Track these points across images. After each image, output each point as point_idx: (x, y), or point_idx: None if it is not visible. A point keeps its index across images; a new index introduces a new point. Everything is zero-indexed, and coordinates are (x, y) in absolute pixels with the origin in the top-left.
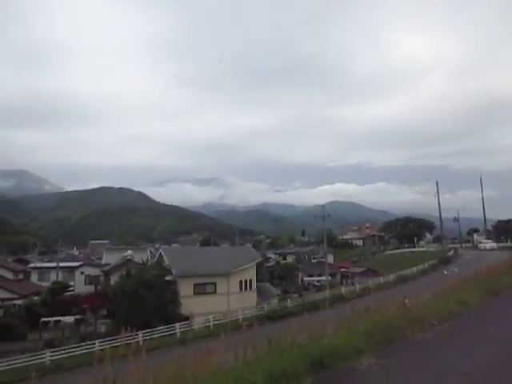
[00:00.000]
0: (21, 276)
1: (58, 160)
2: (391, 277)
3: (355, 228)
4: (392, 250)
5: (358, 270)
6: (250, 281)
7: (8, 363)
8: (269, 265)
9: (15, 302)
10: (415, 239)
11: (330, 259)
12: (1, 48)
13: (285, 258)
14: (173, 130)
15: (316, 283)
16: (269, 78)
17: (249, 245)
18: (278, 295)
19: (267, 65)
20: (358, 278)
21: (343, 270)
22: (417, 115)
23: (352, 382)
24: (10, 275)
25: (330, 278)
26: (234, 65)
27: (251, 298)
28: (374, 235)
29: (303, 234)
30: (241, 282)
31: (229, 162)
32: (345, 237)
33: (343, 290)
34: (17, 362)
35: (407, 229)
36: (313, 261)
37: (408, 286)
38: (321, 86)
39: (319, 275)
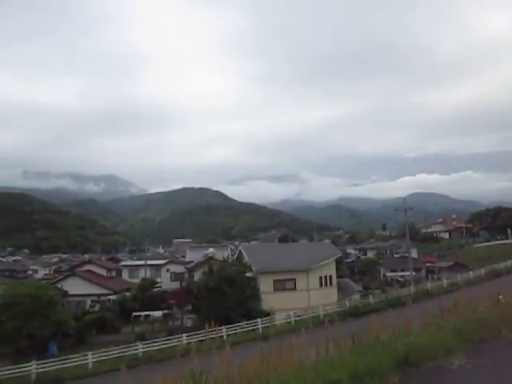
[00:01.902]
0: (113, 273)
1: (143, 164)
2: (482, 271)
3: (440, 220)
4: (482, 242)
5: (445, 264)
6: (330, 277)
7: (106, 354)
8: (349, 260)
9: (109, 297)
10: (509, 231)
11: (414, 254)
12: (89, 59)
13: (365, 254)
14: (248, 129)
15: (399, 279)
16: (343, 68)
17: (327, 240)
18: (360, 291)
19: (341, 54)
20: (444, 273)
21: (428, 264)
22: (505, 96)
23: (442, 382)
24: (104, 273)
25: (414, 273)
26: (308, 58)
27: (332, 293)
28: (462, 227)
29: (384, 228)
30: (320, 277)
31: (304, 158)
32: (429, 230)
33: (429, 285)
34: (114, 352)
35: (499, 219)
36: (395, 255)
37: (502, 282)
38: (398, 72)
39: (402, 270)
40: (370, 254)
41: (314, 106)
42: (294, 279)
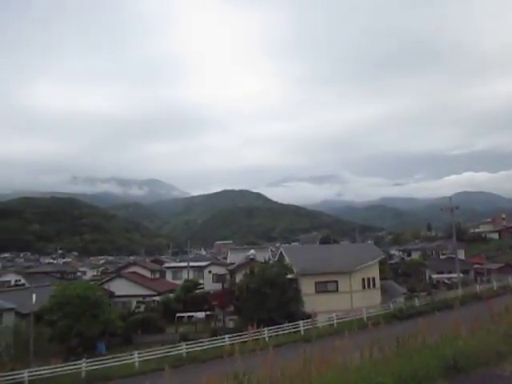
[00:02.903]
0: (157, 275)
1: (185, 167)
2: None
3: (489, 220)
4: None
5: (495, 265)
6: (373, 279)
7: (152, 353)
8: (392, 262)
9: (154, 298)
10: None
11: (461, 255)
12: (131, 67)
13: (410, 255)
14: (289, 129)
15: (446, 281)
16: (385, 66)
17: (370, 241)
18: (404, 293)
19: (383, 53)
20: (494, 275)
21: (477, 266)
22: None
23: None
24: (148, 274)
25: (461, 275)
26: (349, 57)
27: (375, 296)
28: None
29: (429, 228)
30: (363, 279)
31: (345, 158)
32: (477, 230)
33: (478, 288)
34: (159, 352)
35: None
36: (441, 257)
37: None
38: (443, 67)
39: (449, 272)
40: (415, 256)
41: (355, 105)
42: (336, 281)
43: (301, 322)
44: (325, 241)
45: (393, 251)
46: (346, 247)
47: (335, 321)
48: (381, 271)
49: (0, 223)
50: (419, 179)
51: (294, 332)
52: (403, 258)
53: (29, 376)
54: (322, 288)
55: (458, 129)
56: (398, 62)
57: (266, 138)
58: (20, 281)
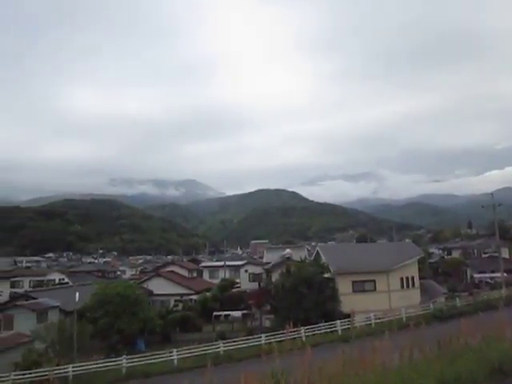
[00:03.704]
0: (195, 274)
1: (220, 167)
2: None
3: None
4: None
5: None
6: (412, 278)
7: (190, 351)
8: (432, 261)
9: (191, 297)
10: None
11: (505, 253)
12: (166, 69)
13: (450, 253)
14: (324, 127)
15: (489, 280)
16: (422, 60)
17: (408, 240)
18: (445, 293)
19: (419, 45)
20: None
21: None
22: None
23: None
24: (185, 273)
25: (505, 274)
26: (382, 52)
27: (414, 295)
28: None
29: (470, 226)
30: (402, 279)
31: (381, 155)
32: None
33: None
34: (196, 350)
35: None
36: (483, 256)
37: None
38: (483, 58)
39: (492, 272)
40: (455, 254)
41: (391, 100)
42: (374, 280)
43: (338, 322)
44: (361, 240)
45: (432, 250)
46: (383, 246)
47: (373, 321)
48: (420, 270)
49: (44, 224)
50: (459, 175)
51: (331, 332)
52: (443, 257)
53: (73, 371)
54: (359, 287)
55: (500, 122)
56: (435, 54)
57: (300, 137)
58: (64, 279)
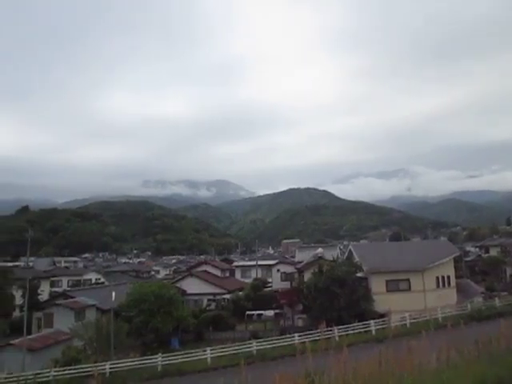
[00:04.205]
0: (227, 273)
1: (251, 167)
2: None
3: None
4: None
5: None
6: (448, 277)
7: (223, 350)
8: (468, 259)
9: (224, 296)
10: None
11: None
12: (197, 71)
13: (487, 251)
14: (354, 125)
15: None
16: (454, 52)
17: (443, 238)
18: (482, 293)
19: (448, 38)
20: None
21: None
22: None
23: None
24: (218, 273)
25: None
26: (410, 45)
27: (450, 295)
28: None
29: (508, 222)
30: (437, 278)
31: (414, 151)
32: None
33: None
34: (230, 349)
35: None
36: None
37: None
38: None
39: None
40: (493, 252)
41: (424, 95)
42: (408, 279)
43: (372, 322)
44: (395, 238)
45: (468, 248)
46: (417, 244)
47: (408, 321)
48: (456, 269)
49: (81, 226)
50: (496, 170)
51: (365, 332)
52: (480, 255)
53: (110, 368)
54: (393, 287)
55: None
56: (467, 46)
57: (331, 135)
58: (100, 279)
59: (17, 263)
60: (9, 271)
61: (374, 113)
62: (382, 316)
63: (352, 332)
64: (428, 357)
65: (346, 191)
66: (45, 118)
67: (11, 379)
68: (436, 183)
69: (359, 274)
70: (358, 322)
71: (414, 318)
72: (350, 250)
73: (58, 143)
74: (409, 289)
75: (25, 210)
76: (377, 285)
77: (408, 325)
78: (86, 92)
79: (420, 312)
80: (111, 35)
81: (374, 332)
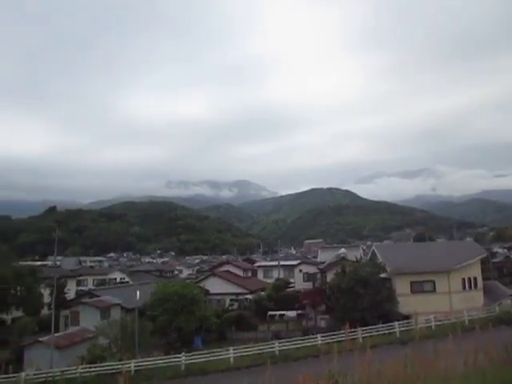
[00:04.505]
0: (249, 273)
1: (273, 167)
2: None
3: None
4: None
5: None
6: (475, 278)
7: (246, 350)
8: (496, 260)
9: (246, 296)
10: None
11: None
12: (218, 72)
13: None
14: (376, 124)
15: None
16: (478, 49)
17: (469, 238)
18: (511, 295)
19: (474, 34)
20: None
21: None
22: None
23: None
24: (240, 273)
25: None
26: (434, 41)
27: (477, 297)
28: None
29: None
30: (463, 279)
31: (438, 150)
32: None
33: None
34: (252, 349)
35: None
36: None
37: None
38: None
39: None
40: None
41: (447, 93)
42: (433, 281)
43: (396, 323)
44: (419, 238)
45: (496, 249)
46: (443, 245)
47: (433, 323)
48: (483, 271)
49: (106, 226)
50: None
51: (389, 333)
52: (508, 256)
53: (135, 366)
54: (417, 288)
55: None
56: (493, 42)
57: (353, 134)
58: (124, 278)
59: (44, 262)
60: (37, 270)
61: (397, 111)
62: (405, 318)
63: (376, 333)
64: (455, 360)
65: (368, 191)
66: (70, 121)
67: (40, 375)
68: (461, 182)
69: (383, 275)
70: (382, 323)
71: (440, 320)
72: (373, 251)
73: (83, 145)
74: (434, 290)
75: (52, 210)
76: (401, 286)
77: (433, 327)
78: (111, 94)
79: (445, 314)
80: (137, 38)
81: (398, 334)
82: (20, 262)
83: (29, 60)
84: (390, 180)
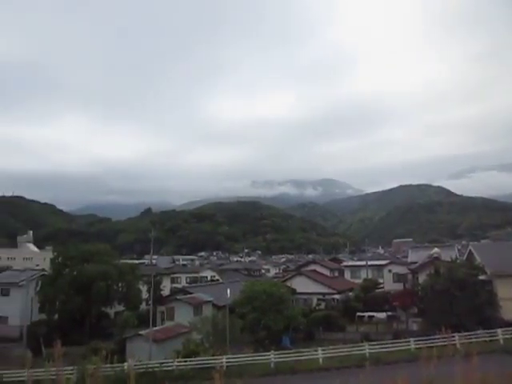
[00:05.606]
0: (336, 273)
1: (358, 165)
2: None
3: None
4: None
5: None
6: None
7: (334, 351)
8: None
9: (333, 296)
10: None
11: None
12: (300, 71)
13: None
14: (470, 114)
15: None
16: None
17: None
18: None
19: None
20: None
21: None
22: None
23: None
24: (327, 272)
25: None
26: None
27: None
28: None
29: None
30: None
31: None
32: None
33: None
34: (341, 350)
35: None
36: None
37: None
38: None
39: None
40: None
41: None
42: None
43: (499, 330)
44: None
45: None
46: None
47: None
48: None
49: (197, 226)
50: None
51: (490, 341)
52: None
53: (226, 362)
54: None
55: None
56: None
57: (444, 126)
58: (215, 276)
59: (142, 261)
60: (136, 268)
61: (494, 100)
62: (509, 325)
63: (475, 340)
64: None
65: (462, 186)
66: (160, 126)
67: (141, 366)
68: None
69: (482, 277)
70: (482, 329)
71: None
72: (469, 251)
73: (171, 149)
74: None
75: (148, 212)
76: (503, 289)
77: None
78: (198, 97)
79: None
80: (219, 45)
81: (501, 341)
82: (121, 261)
83: (118, 68)
84: (486, 174)
